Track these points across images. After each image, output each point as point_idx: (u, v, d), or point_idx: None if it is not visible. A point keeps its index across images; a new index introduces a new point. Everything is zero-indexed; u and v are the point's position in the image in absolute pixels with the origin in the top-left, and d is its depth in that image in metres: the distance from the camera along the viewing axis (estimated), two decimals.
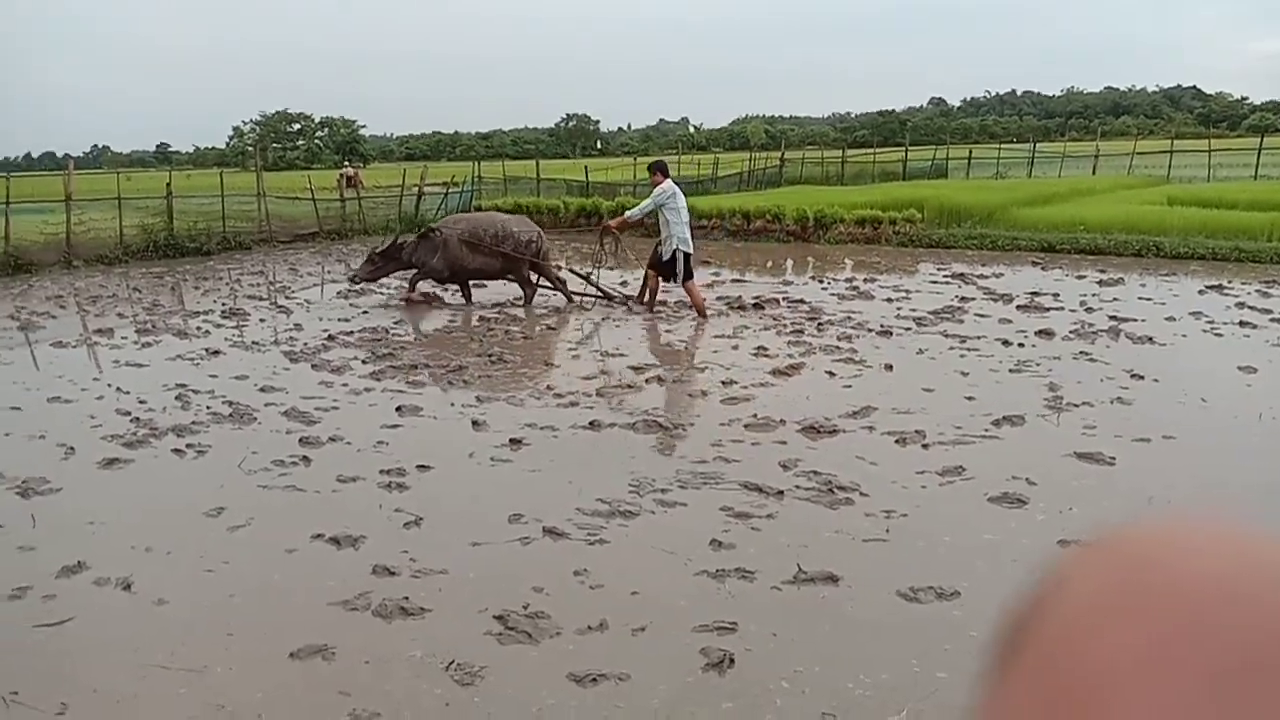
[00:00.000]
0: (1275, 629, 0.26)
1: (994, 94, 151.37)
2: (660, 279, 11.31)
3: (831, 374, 8.13)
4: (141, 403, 7.62)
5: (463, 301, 12.51)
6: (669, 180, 11.26)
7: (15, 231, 16.73)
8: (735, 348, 9.21)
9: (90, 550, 4.80)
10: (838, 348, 9.08)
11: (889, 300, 11.85)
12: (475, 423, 6.91)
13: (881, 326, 10.08)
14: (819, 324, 10.28)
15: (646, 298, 11.60)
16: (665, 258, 11.00)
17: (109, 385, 8.26)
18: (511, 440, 6.46)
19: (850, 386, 7.74)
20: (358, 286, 12.84)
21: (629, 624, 3.98)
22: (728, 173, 34.44)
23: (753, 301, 11.66)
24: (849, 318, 10.63)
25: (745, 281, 14.04)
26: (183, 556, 4.75)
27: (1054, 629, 0.29)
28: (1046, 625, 0.29)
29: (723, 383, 7.83)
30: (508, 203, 24.77)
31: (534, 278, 12.41)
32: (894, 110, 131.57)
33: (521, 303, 12.29)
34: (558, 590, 4.29)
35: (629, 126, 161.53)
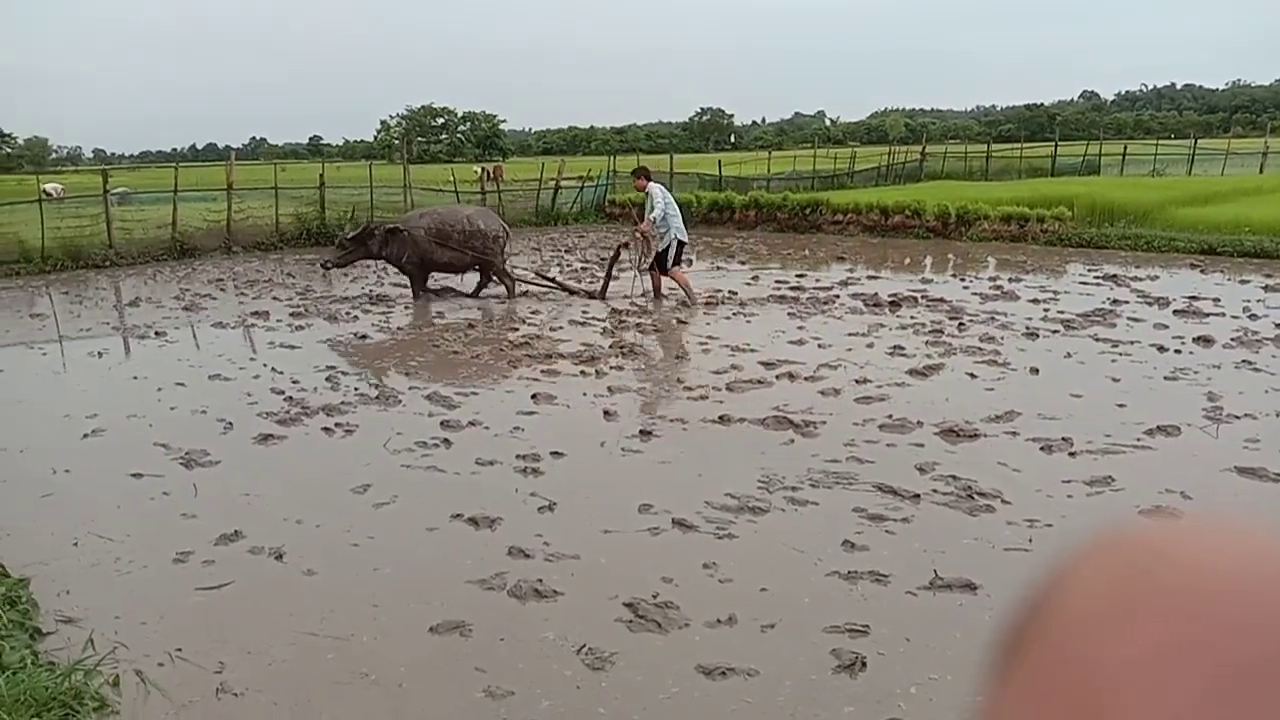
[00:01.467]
0: None
1: (1151, 87, 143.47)
2: (660, 273, 12.11)
3: (973, 376, 7.88)
4: (294, 382, 8.04)
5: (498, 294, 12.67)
6: (654, 183, 12.35)
7: (182, 218, 17.89)
8: (870, 346, 9.03)
9: (246, 520, 5.10)
10: (980, 349, 8.79)
11: (1035, 301, 11.39)
12: (607, 412, 7.00)
13: (1027, 328, 9.69)
14: (960, 324, 9.97)
15: (657, 292, 12.30)
16: (662, 249, 11.88)
17: (264, 365, 8.75)
18: (641, 431, 6.52)
19: (993, 389, 7.48)
20: (329, 271, 13.17)
21: (758, 620, 3.96)
22: (865, 167, 33.76)
23: (889, 299, 11.40)
24: (992, 318, 10.27)
25: (881, 278, 13.74)
26: (331, 530, 4.99)
27: (1058, 629, 0.28)
28: (1050, 625, 0.29)
29: (856, 381, 7.69)
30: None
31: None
32: (1042, 104, 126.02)
33: (505, 298, 12.47)
34: (686, 582, 4.31)
35: (763, 120, 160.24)
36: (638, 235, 12.17)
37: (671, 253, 11.83)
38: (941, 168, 34.59)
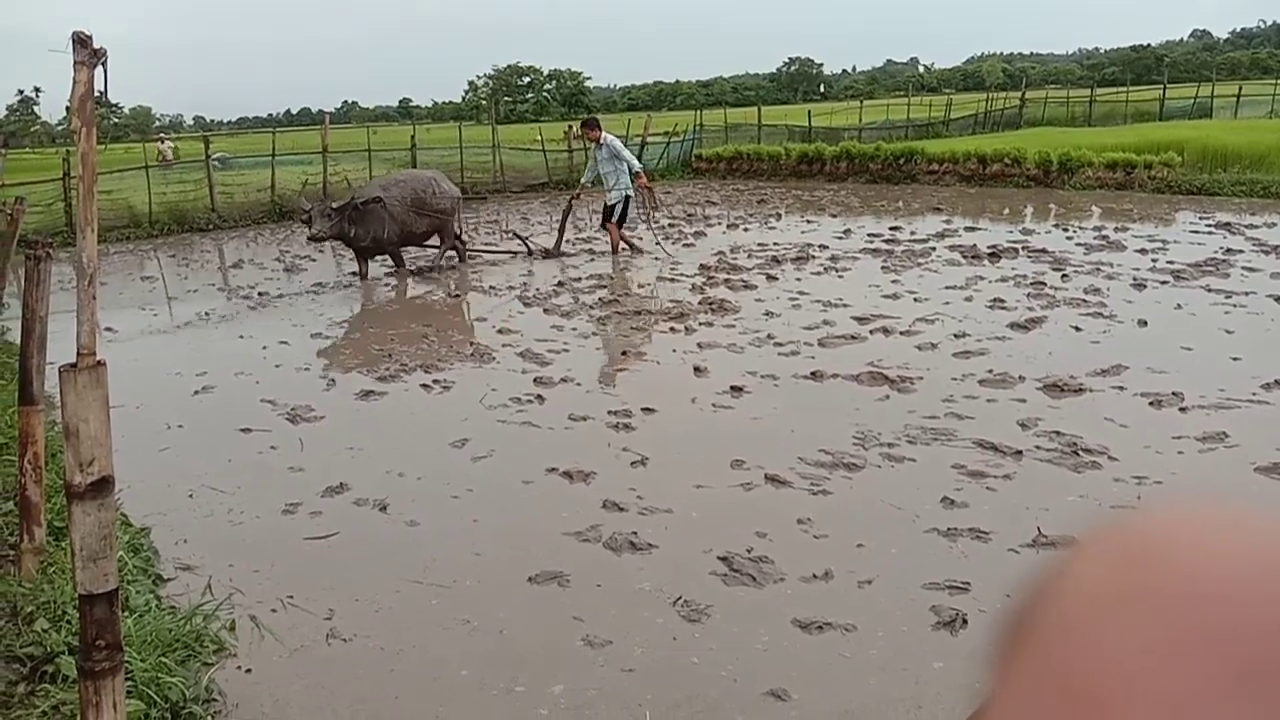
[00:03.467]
0: None
1: (1270, 23, 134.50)
2: (617, 224, 12.29)
3: (1077, 329, 7.60)
4: (391, 339, 8.22)
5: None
6: (608, 134, 12.38)
7: (279, 181, 18.39)
8: (969, 299, 8.79)
9: (350, 473, 5.26)
10: (1084, 301, 8.47)
11: (1143, 251, 10.91)
12: (697, 369, 6.98)
13: (1134, 279, 9.30)
14: (1063, 275, 9.62)
15: (622, 247, 12.41)
16: (611, 203, 12.12)
17: (362, 323, 8.97)
18: (733, 387, 6.48)
19: (1098, 343, 7.21)
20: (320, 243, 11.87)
21: (855, 575, 3.93)
22: (961, 114, 32.69)
23: (988, 251, 11.06)
24: (1097, 269, 9.88)
25: (980, 229, 13.33)
26: (431, 483, 5.12)
27: (1058, 621, 0.27)
28: (1050, 617, 0.28)
29: (955, 335, 7.50)
30: (728, 150, 24.68)
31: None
32: (1149, 45, 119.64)
33: (450, 263, 12.01)
34: (781, 537, 4.29)
35: (853, 69, 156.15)
36: (644, 189, 12.51)
37: (620, 208, 12.12)
38: (1042, 114, 33.25)
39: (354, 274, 11.46)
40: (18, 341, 8.22)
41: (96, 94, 2.26)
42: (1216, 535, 0.27)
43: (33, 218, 13.30)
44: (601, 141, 12.16)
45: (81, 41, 2.24)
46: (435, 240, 11.92)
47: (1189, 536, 0.28)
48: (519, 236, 13.12)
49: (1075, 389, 6.10)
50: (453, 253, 12.07)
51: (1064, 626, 0.27)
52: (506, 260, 12.43)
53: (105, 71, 2.29)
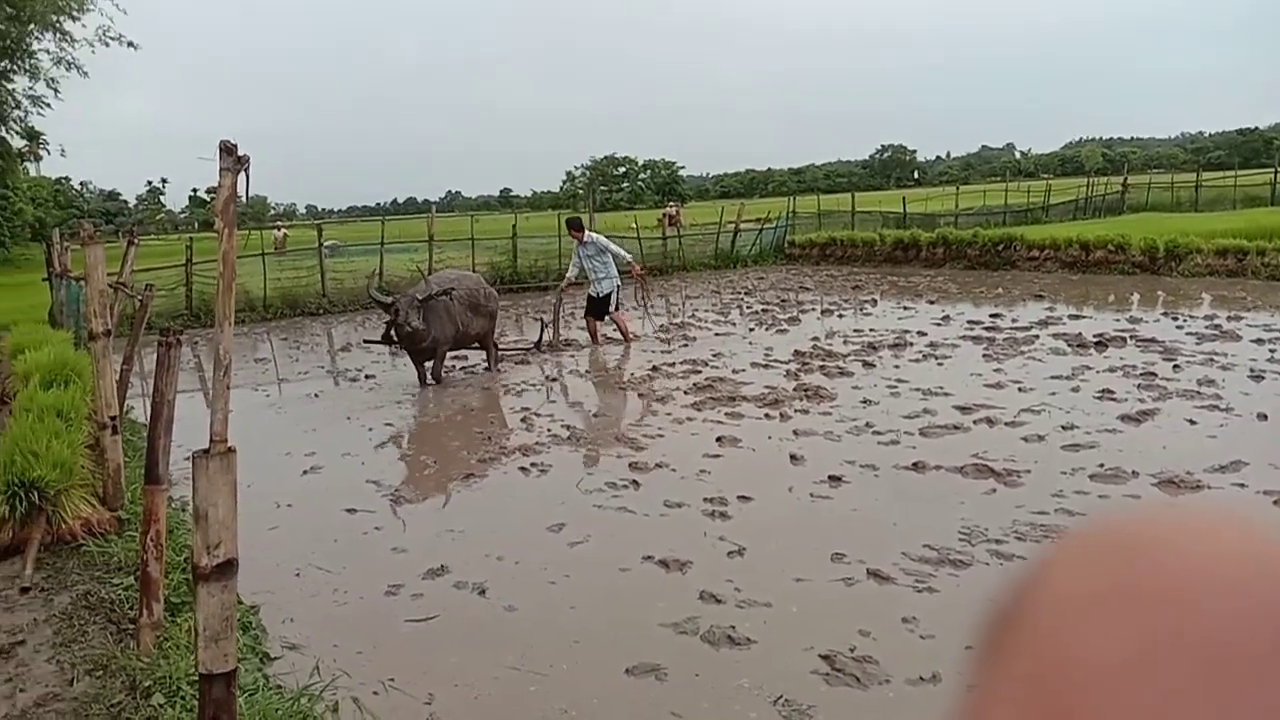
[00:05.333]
0: (1268, 623, 0.25)
1: None
2: (596, 319, 12.73)
3: (1192, 422, 7.29)
4: (491, 423, 8.37)
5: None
6: (590, 232, 13.05)
7: (387, 268, 19.12)
8: (1075, 390, 8.52)
9: (450, 555, 5.33)
10: (1198, 393, 8.13)
11: (1259, 341, 10.45)
12: (793, 456, 6.91)
13: (1251, 370, 8.90)
14: (1175, 365, 9.27)
15: (632, 334, 12.80)
16: (602, 295, 12.56)
17: (464, 406, 9.17)
18: (831, 477, 6.39)
19: (1215, 437, 6.90)
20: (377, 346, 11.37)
21: (964, 679, 3.77)
22: (1061, 200, 32.19)
23: (1094, 339, 10.75)
24: (1211, 359, 9.49)
25: (1084, 317, 12.98)
26: (529, 567, 5.14)
27: (1039, 618, 0.28)
28: (1032, 614, 0.28)
29: (1062, 427, 7.26)
30: (821, 236, 24.74)
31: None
32: (1256, 128, 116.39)
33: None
34: (885, 636, 4.16)
35: (948, 155, 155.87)
36: (639, 278, 13.43)
37: (614, 299, 12.55)
38: (1145, 199, 32.58)
39: (455, 357, 11.44)
40: (139, 419, 8.68)
41: (239, 197, 2.43)
42: (1194, 537, 0.28)
43: (156, 302, 14.09)
44: (585, 240, 12.68)
45: (227, 150, 2.42)
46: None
47: (1166, 538, 0.28)
48: (544, 324, 12.75)
49: (1193, 485, 5.83)
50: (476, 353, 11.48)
51: (1041, 627, 0.27)
52: (602, 344, 12.60)
53: (247, 176, 2.45)
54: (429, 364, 10.31)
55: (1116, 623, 0.26)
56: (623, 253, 12.93)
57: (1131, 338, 10.87)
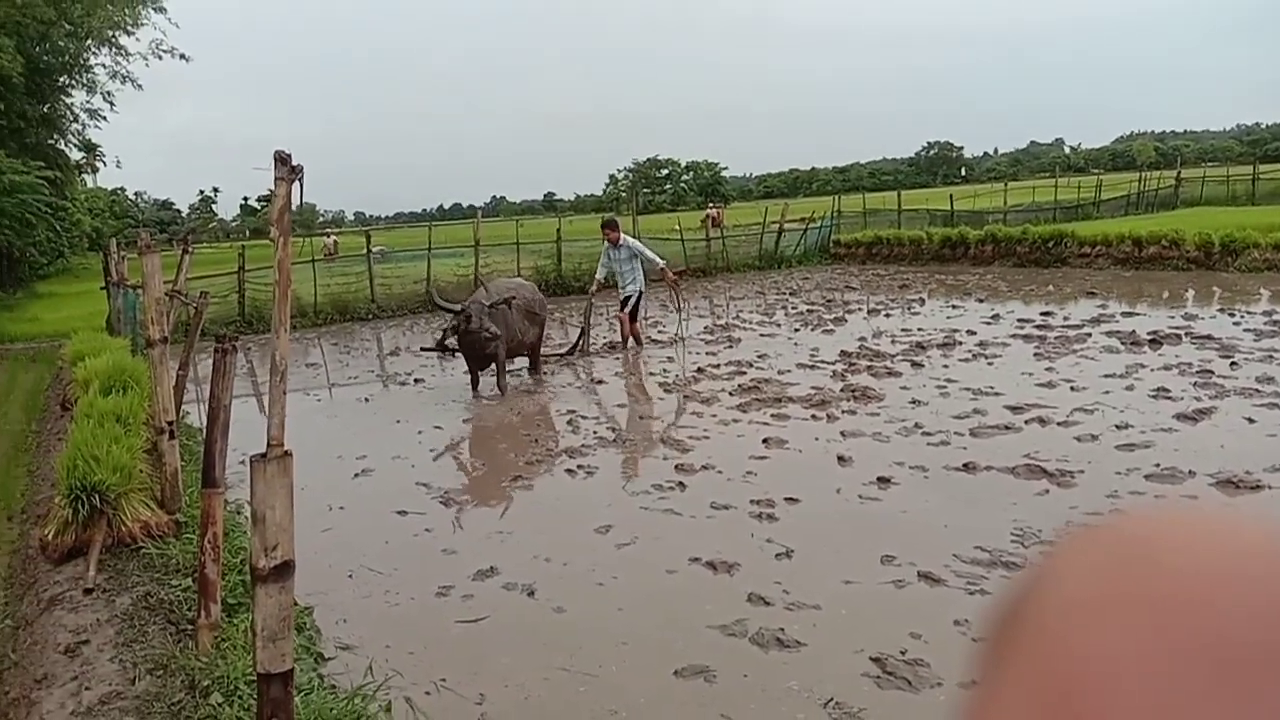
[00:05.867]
0: (1275, 625, 0.25)
1: None
2: (630, 318, 12.50)
3: (1251, 420, 7.11)
4: (538, 426, 8.43)
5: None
6: (624, 234, 12.68)
7: (434, 273, 19.33)
8: (1130, 388, 8.36)
9: (499, 557, 5.38)
10: (1257, 390, 7.93)
11: None
12: (841, 458, 6.86)
13: None
14: (1232, 363, 9.05)
15: (631, 341, 12.53)
16: (628, 294, 12.37)
17: (509, 410, 9.23)
18: (879, 478, 6.33)
19: (1275, 435, 6.72)
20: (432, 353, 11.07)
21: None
22: (1112, 195, 31.60)
23: (1149, 337, 10.53)
24: (1270, 356, 9.26)
25: (1138, 314, 12.73)
26: (577, 568, 5.17)
27: (1042, 624, 0.28)
28: (1038, 615, 0.28)
29: (1116, 426, 7.13)
30: (867, 235, 24.54)
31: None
32: None
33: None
34: (937, 639, 4.12)
35: (995, 151, 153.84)
36: (671, 283, 13.08)
37: (633, 302, 12.43)
38: (1200, 193, 31.84)
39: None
40: (194, 424, 8.87)
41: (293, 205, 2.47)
42: (1200, 539, 0.27)
43: (210, 308, 14.40)
44: (620, 242, 12.43)
45: (282, 160, 2.47)
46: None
47: (1172, 540, 0.28)
48: (583, 329, 12.67)
49: (1252, 485, 5.69)
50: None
51: (1048, 630, 0.27)
52: (645, 346, 12.62)
53: (301, 185, 2.50)
54: (483, 372, 10.18)
55: (1124, 624, 0.26)
56: (655, 257, 12.73)
57: (1187, 335, 10.63)
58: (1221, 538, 0.28)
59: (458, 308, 9.87)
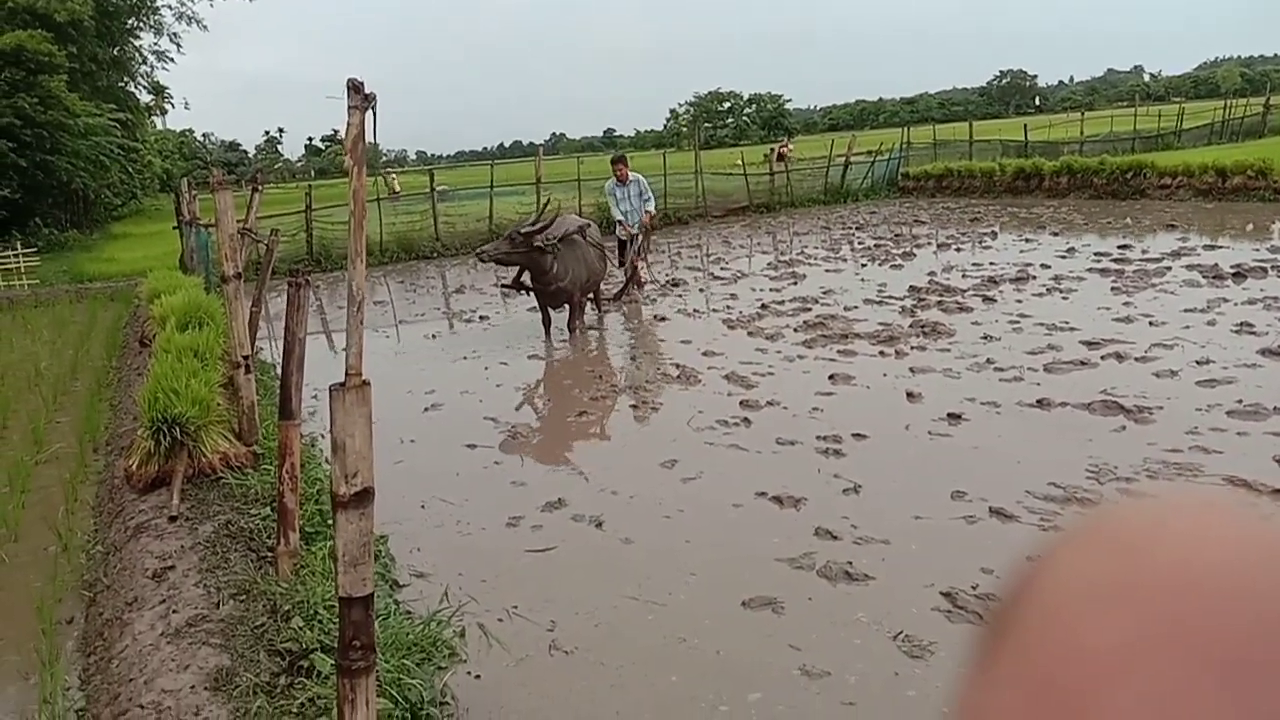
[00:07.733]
0: (1272, 612, 0.24)
1: None
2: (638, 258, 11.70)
3: None
4: (602, 362, 8.46)
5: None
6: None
7: (496, 211, 19.37)
8: (1211, 323, 8.08)
9: (567, 490, 5.44)
10: None
11: None
12: (910, 394, 6.77)
13: None
14: None
15: (640, 284, 11.83)
16: (638, 237, 11.64)
17: (575, 346, 9.27)
18: (950, 414, 6.24)
19: None
20: (486, 264, 10.70)
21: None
22: (1194, 125, 30.27)
23: (1232, 270, 10.14)
24: None
25: (1221, 247, 12.26)
26: (643, 501, 5.21)
27: (1039, 614, 0.27)
28: (1031, 610, 0.28)
29: (1197, 362, 6.91)
30: (937, 168, 23.91)
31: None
32: None
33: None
34: (1009, 574, 4.07)
35: (1070, 79, 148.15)
36: (644, 228, 11.92)
37: (641, 241, 11.77)
38: None
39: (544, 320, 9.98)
40: (267, 359, 9.08)
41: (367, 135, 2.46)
42: (1199, 527, 0.27)
43: (278, 247, 14.66)
44: (630, 179, 11.74)
45: (355, 88, 2.45)
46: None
47: (1171, 528, 0.27)
48: (635, 266, 11.89)
49: None
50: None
51: (1046, 619, 0.27)
52: (708, 284, 12.53)
53: (375, 115, 2.49)
54: (555, 312, 9.84)
55: (1120, 614, 0.26)
56: (652, 198, 12.05)
57: (1273, 268, 10.22)
58: (1217, 526, 0.27)
59: (536, 228, 9.32)
